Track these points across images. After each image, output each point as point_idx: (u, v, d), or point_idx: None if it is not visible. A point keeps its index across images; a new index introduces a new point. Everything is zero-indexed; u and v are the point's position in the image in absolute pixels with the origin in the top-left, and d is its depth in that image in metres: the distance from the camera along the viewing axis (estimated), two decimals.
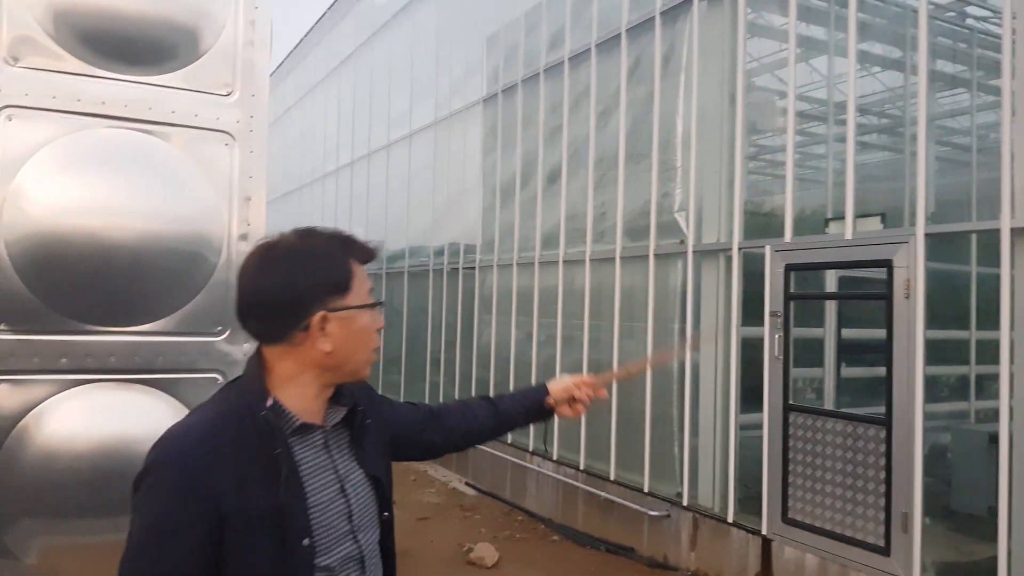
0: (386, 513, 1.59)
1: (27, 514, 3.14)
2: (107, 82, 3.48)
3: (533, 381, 7.95)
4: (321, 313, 1.42)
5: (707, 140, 6.21)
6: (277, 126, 18.38)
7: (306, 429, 1.45)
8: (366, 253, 1.53)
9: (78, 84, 3.44)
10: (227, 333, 3.64)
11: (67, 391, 3.38)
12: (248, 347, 3.75)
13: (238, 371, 3.67)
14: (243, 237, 3.75)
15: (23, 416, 3.26)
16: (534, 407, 1.98)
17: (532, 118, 8.35)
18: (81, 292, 3.42)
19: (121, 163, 3.56)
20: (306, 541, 1.37)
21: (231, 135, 3.71)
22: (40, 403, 3.33)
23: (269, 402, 1.41)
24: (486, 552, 6.14)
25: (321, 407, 1.50)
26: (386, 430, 1.69)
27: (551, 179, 8.00)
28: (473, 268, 9.39)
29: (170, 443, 1.36)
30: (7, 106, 3.31)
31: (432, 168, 10.59)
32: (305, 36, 17.00)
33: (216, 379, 3.58)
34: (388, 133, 12.06)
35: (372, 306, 1.50)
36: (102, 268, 3.44)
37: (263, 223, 3.86)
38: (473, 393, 9.11)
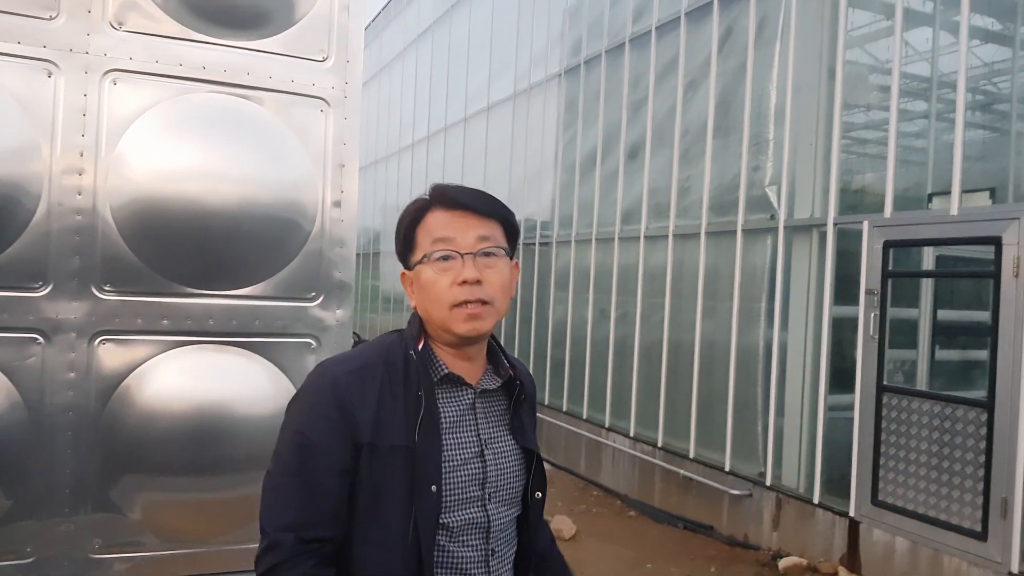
0: (539, 494, 1.54)
1: (130, 470, 3.22)
2: (207, 47, 3.52)
3: (610, 360, 7.88)
4: (402, 272, 1.49)
5: (802, 113, 5.98)
6: None
7: (453, 382, 1.46)
8: (444, 196, 1.47)
9: (180, 48, 3.48)
10: (320, 299, 3.68)
11: (168, 352, 3.45)
12: (341, 313, 3.78)
13: (331, 336, 3.71)
14: (336, 204, 3.77)
15: (127, 375, 3.34)
16: None
17: (615, 91, 8.19)
18: (181, 256, 3.48)
19: (220, 128, 3.60)
20: (434, 487, 1.38)
21: (326, 101, 3.72)
22: (142, 363, 3.40)
23: (420, 346, 1.45)
24: (564, 525, 6.13)
25: (471, 369, 1.49)
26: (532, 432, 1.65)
27: (633, 153, 7.85)
28: (549, 244, 9.33)
29: (325, 369, 1.45)
30: (112, 70, 3.38)
31: (509, 142, 10.53)
32: (383, 8, 17.09)
33: (310, 344, 3.62)
34: (465, 107, 12.04)
35: (427, 255, 1.44)
36: (201, 233, 3.49)
37: (356, 191, 3.87)
38: (548, 371, 9.08)
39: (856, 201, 6.24)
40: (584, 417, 8.28)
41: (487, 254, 1.44)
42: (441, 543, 1.41)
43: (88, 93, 3.36)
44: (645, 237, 7.50)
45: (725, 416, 6.36)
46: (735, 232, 6.38)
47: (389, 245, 15.61)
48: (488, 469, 1.46)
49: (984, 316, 5.45)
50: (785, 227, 5.98)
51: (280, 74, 3.65)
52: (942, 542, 4.87)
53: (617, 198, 7.98)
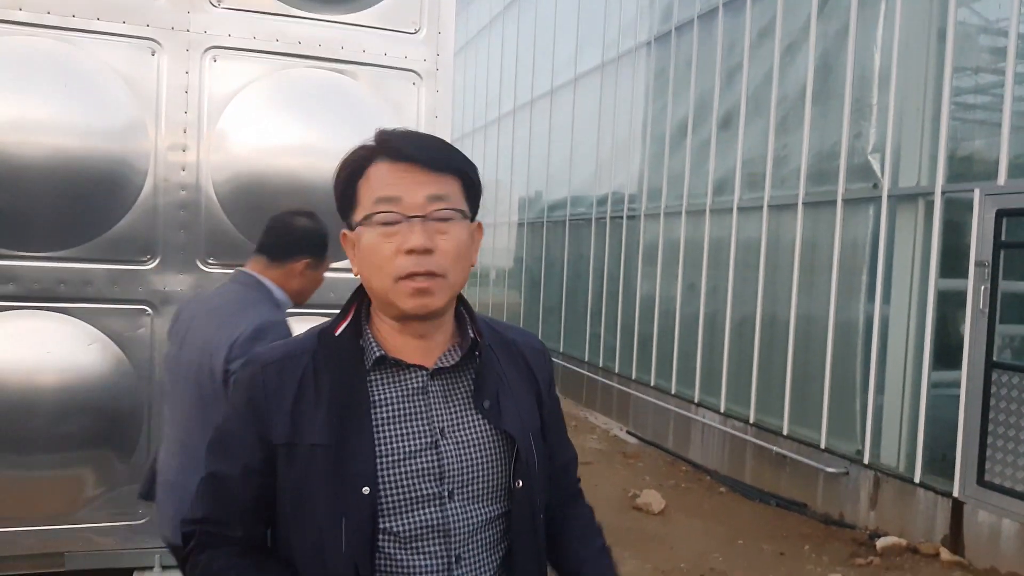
0: (519, 482, 1.28)
1: None
2: (303, 22, 3.57)
3: (699, 335, 7.74)
4: (343, 231, 1.27)
5: (908, 76, 5.67)
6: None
7: (392, 365, 1.24)
8: (388, 145, 1.21)
9: (276, 24, 3.55)
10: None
11: None
12: None
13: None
14: None
15: None
16: None
17: (708, 58, 7.96)
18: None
19: (316, 103, 3.66)
20: (366, 489, 1.18)
21: (418, 74, 3.73)
22: None
23: (340, 328, 1.26)
24: (653, 499, 6.09)
25: (425, 347, 1.26)
26: (544, 404, 1.40)
27: (726, 123, 7.62)
28: (637, 217, 9.19)
29: (249, 359, 1.31)
30: (212, 47, 3.47)
31: (597, 114, 10.39)
32: None
33: None
34: (552, 79, 11.93)
35: (368, 218, 1.20)
36: (304, 206, 3.50)
37: None
38: (635, 346, 8.99)
39: (965, 169, 5.88)
40: (673, 392, 8.17)
41: (440, 218, 1.20)
42: (387, 551, 1.20)
43: (190, 70, 3.46)
44: (739, 208, 7.29)
45: (821, 393, 6.16)
46: (835, 202, 6.13)
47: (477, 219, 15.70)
48: (445, 461, 1.23)
49: None
50: (889, 196, 5.70)
51: (373, 47, 3.68)
52: None
53: (709, 169, 7.78)
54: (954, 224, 5.39)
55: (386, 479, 1.20)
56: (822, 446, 6.12)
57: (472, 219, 1.29)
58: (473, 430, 1.27)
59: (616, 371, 9.43)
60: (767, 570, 5.00)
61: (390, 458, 1.21)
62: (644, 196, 9.10)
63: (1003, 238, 5.01)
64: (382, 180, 1.20)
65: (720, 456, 7.27)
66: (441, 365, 1.27)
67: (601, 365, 9.87)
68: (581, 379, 10.33)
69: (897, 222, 5.69)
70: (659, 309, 8.58)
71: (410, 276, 1.18)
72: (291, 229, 2.46)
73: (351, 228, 1.25)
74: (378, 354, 1.24)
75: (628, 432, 8.80)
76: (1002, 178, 5.00)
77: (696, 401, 7.76)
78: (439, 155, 1.23)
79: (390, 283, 1.19)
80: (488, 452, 1.27)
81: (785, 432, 6.52)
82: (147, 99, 3.42)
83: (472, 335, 1.30)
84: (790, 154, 6.69)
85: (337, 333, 1.27)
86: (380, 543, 1.20)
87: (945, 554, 5.06)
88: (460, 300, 1.34)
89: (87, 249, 3.36)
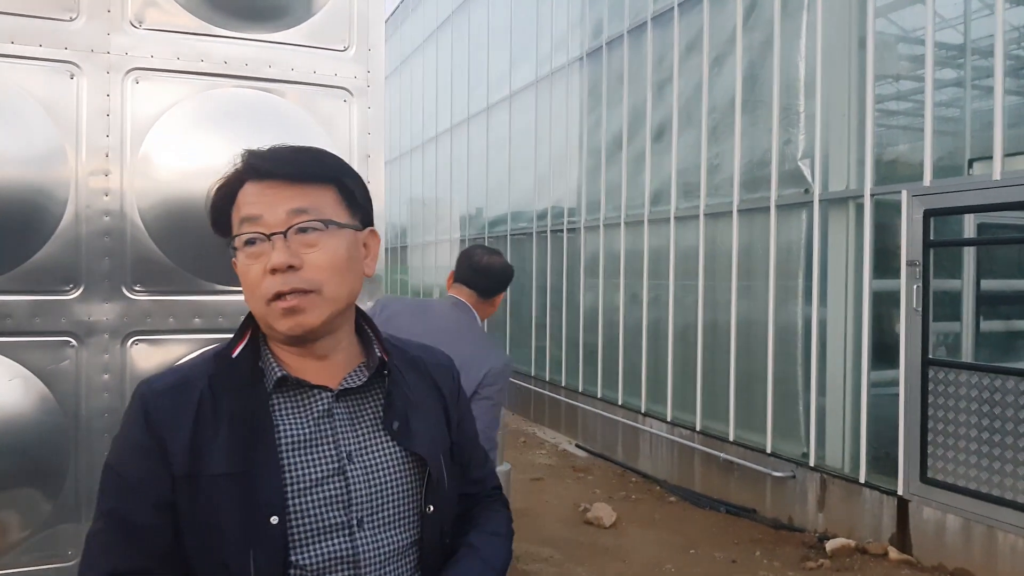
0: (430, 507, 1.23)
1: None
2: (228, 41, 3.48)
3: (644, 344, 7.78)
4: (232, 258, 1.21)
5: (833, 83, 5.83)
6: None
7: (294, 386, 1.19)
8: (250, 164, 1.16)
9: (201, 44, 3.45)
10: None
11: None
12: (371, 305, 3.74)
13: None
14: None
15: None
16: None
17: (639, 71, 8.07)
18: (212, 254, 3.44)
19: (245, 123, 3.57)
20: (275, 519, 1.11)
21: (349, 91, 3.67)
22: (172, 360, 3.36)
23: (238, 349, 1.20)
24: (603, 512, 6.06)
25: (326, 368, 1.21)
26: (452, 421, 1.35)
27: (659, 134, 7.73)
28: (577, 229, 9.24)
29: (140, 388, 1.20)
30: (134, 68, 3.36)
31: (533, 129, 10.44)
32: (402, 1, 17.05)
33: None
34: (488, 96, 11.96)
35: (232, 241, 1.17)
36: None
37: (383, 181, 3.82)
38: (580, 358, 9.01)
39: (892, 171, 6.07)
40: (620, 403, 8.20)
41: (303, 230, 1.14)
42: None
43: (111, 93, 3.34)
44: (675, 218, 7.38)
45: (765, 397, 6.24)
46: (768, 208, 6.25)
47: (416, 238, 15.61)
48: (353, 487, 1.17)
49: None
50: (820, 200, 5.83)
51: (302, 65, 3.60)
52: (997, 518, 4.74)
53: (645, 180, 7.87)
54: (884, 225, 5.54)
55: (295, 508, 1.14)
56: (768, 450, 6.20)
57: (362, 226, 1.23)
58: (382, 454, 1.22)
59: (563, 384, 9.42)
60: None
61: (297, 486, 1.14)
62: (583, 209, 9.16)
63: (931, 237, 5.16)
64: (247, 199, 1.16)
65: (669, 465, 7.30)
66: (347, 386, 1.21)
67: (548, 379, 9.86)
68: (528, 394, 10.29)
69: (830, 225, 5.82)
70: (603, 320, 8.62)
71: (278, 296, 1.14)
72: (500, 270, 2.95)
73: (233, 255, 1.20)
74: (279, 374, 1.18)
75: (577, 445, 8.79)
76: (927, 179, 5.16)
77: (643, 411, 7.79)
78: (303, 167, 1.18)
79: (263, 306, 1.15)
80: (398, 476, 1.22)
81: (731, 438, 6.58)
82: (67, 124, 3.28)
83: (379, 354, 1.25)
84: (723, 162, 6.81)
85: (234, 355, 1.20)
86: None
87: (893, 553, 5.15)
88: (362, 317, 1.29)
89: (5, 280, 3.19)
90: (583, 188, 9.23)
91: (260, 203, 1.14)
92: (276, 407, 1.17)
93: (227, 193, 1.18)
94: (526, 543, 5.47)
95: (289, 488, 1.13)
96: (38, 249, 3.26)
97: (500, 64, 11.55)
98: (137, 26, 3.37)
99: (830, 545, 5.32)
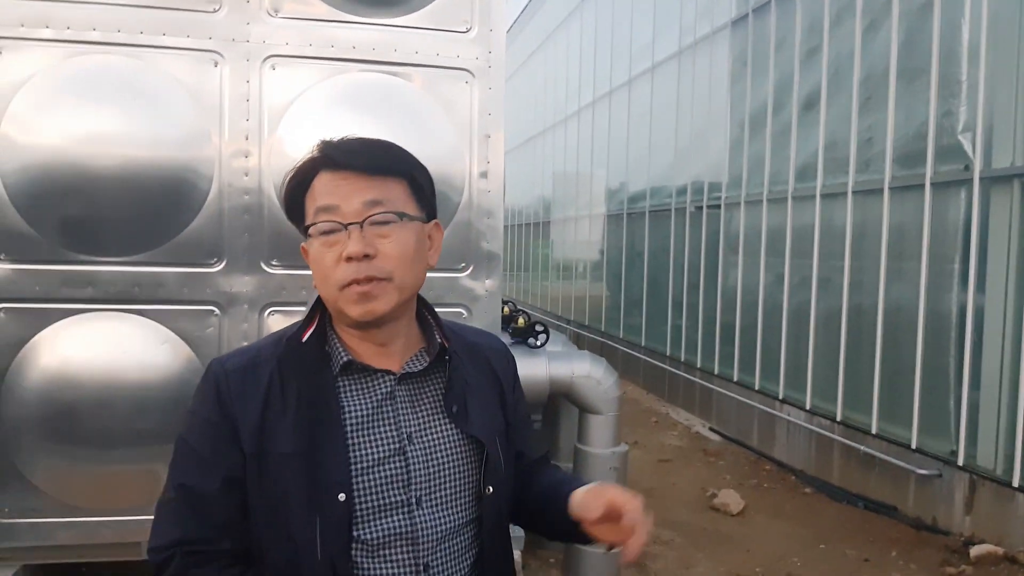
0: (489, 488, 1.28)
1: (34, 439, 3.29)
2: (356, 26, 3.62)
3: (784, 328, 7.47)
4: (302, 243, 1.27)
5: (1000, 50, 5.29)
6: (522, 72, 18.68)
7: (359, 370, 1.25)
8: (327, 155, 1.21)
9: (331, 31, 3.61)
10: (470, 269, 3.73)
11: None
12: (490, 283, 3.82)
13: (481, 306, 3.75)
14: (483, 175, 3.79)
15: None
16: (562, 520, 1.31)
17: (787, 39, 7.66)
18: None
19: (371, 106, 3.70)
20: (342, 496, 1.17)
21: (471, 72, 3.73)
22: None
23: (307, 333, 1.25)
24: (731, 499, 5.91)
25: (386, 353, 1.27)
26: (508, 405, 1.40)
27: (807, 105, 7.32)
28: (718, 206, 8.94)
29: (212, 366, 1.27)
30: (271, 56, 3.56)
31: (675, 102, 10.17)
32: None
33: (461, 313, 3.68)
34: (630, 68, 11.75)
35: (307, 229, 1.22)
36: None
37: (502, 161, 3.86)
38: (717, 339, 8.77)
39: None
40: (756, 388, 7.92)
41: (379, 222, 1.19)
42: (356, 559, 1.19)
43: (250, 79, 3.56)
44: (822, 195, 6.99)
45: (912, 389, 5.84)
46: (923, 186, 5.79)
47: (560, 212, 15.65)
48: (412, 467, 1.22)
49: None
50: (982, 178, 5.34)
51: (425, 48, 3.69)
52: None
53: (791, 155, 7.49)
54: None
55: (359, 486, 1.19)
56: (913, 446, 5.80)
57: (427, 219, 1.28)
58: (441, 436, 1.27)
59: (698, 365, 9.22)
60: None
61: (361, 465, 1.20)
62: (724, 184, 8.85)
63: None
64: (324, 189, 1.21)
65: (805, 455, 7.00)
66: (408, 370, 1.27)
67: (683, 359, 9.67)
68: (663, 374, 10.15)
69: (991, 205, 5.32)
70: (741, 301, 8.33)
71: (352, 283, 1.18)
72: None
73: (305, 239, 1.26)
74: (345, 359, 1.24)
75: (711, 429, 8.59)
76: None
77: (780, 397, 7.49)
78: (377, 160, 1.23)
79: (336, 292, 1.20)
80: (456, 458, 1.27)
81: (874, 431, 6.21)
82: (211, 108, 3.54)
83: (440, 340, 1.30)
84: (875, 136, 6.36)
85: (304, 339, 1.26)
86: (352, 552, 1.19)
87: None
88: (423, 304, 1.35)
89: (159, 253, 3.51)
90: (725, 163, 8.91)
91: (336, 193, 1.20)
92: (341, 390, 1.23)
93: (301, 182, 1.24)
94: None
95: (353, 467, 1.19)
96: (187, 225, 3.55)
97: (643, 35, 11.29)
98: (273, 15, 3.57)
99: (975, 551, 4.92)
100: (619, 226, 12.16)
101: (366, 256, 1.18)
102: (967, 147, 5.45)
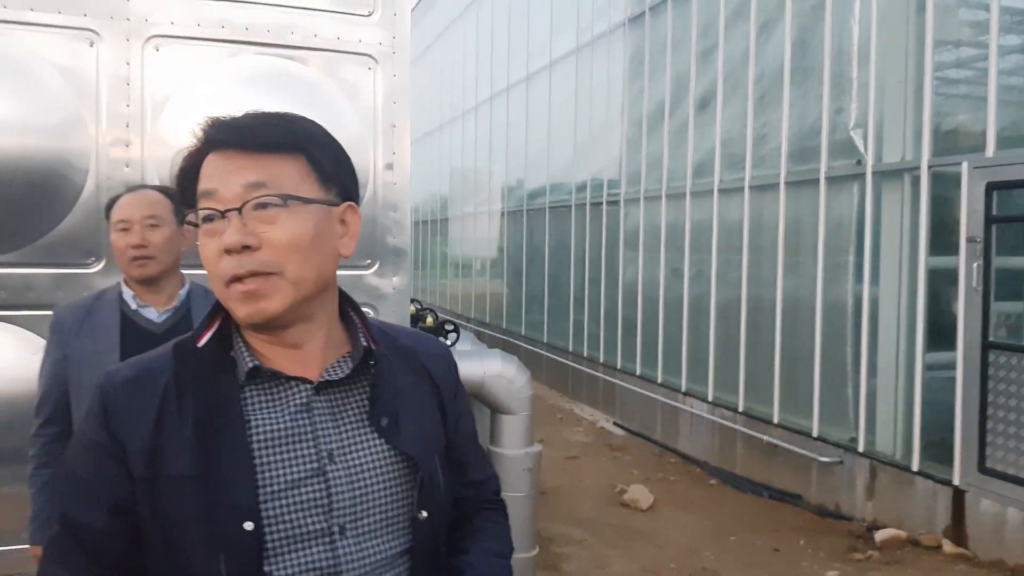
0: (423, 513, 1.10)
1: None
2: (250, 7, 3.35)
3: (684, 321, 7.57)
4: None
5: (889, 49, 5.49)
6: (418, 64, 18.40)
7: (268, 378, 1.06)
8: (212, 134, 1.05)
9: (222, 10, 3.32)
10: (376, 266, 3.52)
11: None
12: (398, 280, 3.61)
13: (389, 304, 3.55)
14: (388, 167, 3.59)
15: None
16: None
17: (683, 38, 7.76)
18: None
19: (266, 92, 3.44)
20: (248, 525, 0.99)
21: (374, 58, 3.52)
22: None
23: (205, 337, 1.08)
24: (640, 494, 5.91)
25: (302, 357, 1.09)
26: (448, 418, 1.22)
27: (703, 103, 7.43)
28: (617, 202, 9.00)
29: (102, 379, 1.09)
30: (154, 36, 3.24)
31: (574, 99, 10.18)
32: None
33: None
34: (527, 64, 11.71)
35: (185, 218, 1.10)
36: None
37: (408, 152, 3.68)
38: (619, 334, 8.82)
39: (951, 142, 5.72)
40: (659, 381, 8.01)
41: (260, 206, 1.02)
42: None
43: (131, 61, 3.23)
44: (719, 191, 7.11)
45: (812, 378, 6.00)
46: (818, 180, 5.95)
47: (457, 209, 15.49)
48: (334, 490, 1.04)
49: None
50: (873, 172, 5.53)
51: (325, 31, 3.46)
52: None
53: (688, 151, 7.59)
54: (942, 199, 5.23)
55: (269, 513, 1.01)
56: (814, 434, 5.96)
57: (338, 201, 1.09)
58: (368, 453, 1.09)
59: (601, 360, 9.26)
60: (762, 567, 4.83)
61: (271, 488, 1.02)
62: (624, 180, 8.91)
63: (994, 212, 4.85)
64: (207, 172, 1.05)
65: (709, 446, 7.11)
66: (328, 378, 1.08)
67: (586, 355, 9.70)
68: (566, 369, 10.15)
69: (883, 199, 5.52)
70: (643, 295, 8.41)
71: (234, 279, 1.02)
72: None
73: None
74: (251, 364, 1.05)
75: (615, 424, 8.64)
76: (990, 150, 4.84)
77: (683, 390, 7.59)
78: (264, 135, 1.04)
79: (222, 289, 1.04)
80: (386, 478, 1.09)
81: (776, 420, 6.36)
82: (86, 93, 3.20)
83: (365, 343, 1.12)
84: (770, 133, 6.52)
85: (200, 344, 1.08)
86: None
87: (948, 546, 4.89)
88: (347, 302, 1.15)
89: (27, 253, 3.15)
90: (624, 159, 8.97)
91: (216, 176, 1.03)
92: (248, 401, 1.05)
93: (191, 164, 1.07)
94: (558, 524, 5.35)
95: (262, 490, 1.01)
96: (60, 221, 3.20)
97: (540, 32, 11.27)
98: None
99: (880, 536, 5.09)
100: (519, 222, 12.11)
101: (246, 248, 1.01)
102: (859, 143, 5.63)
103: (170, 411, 1.04)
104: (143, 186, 2.46)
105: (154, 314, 2.24)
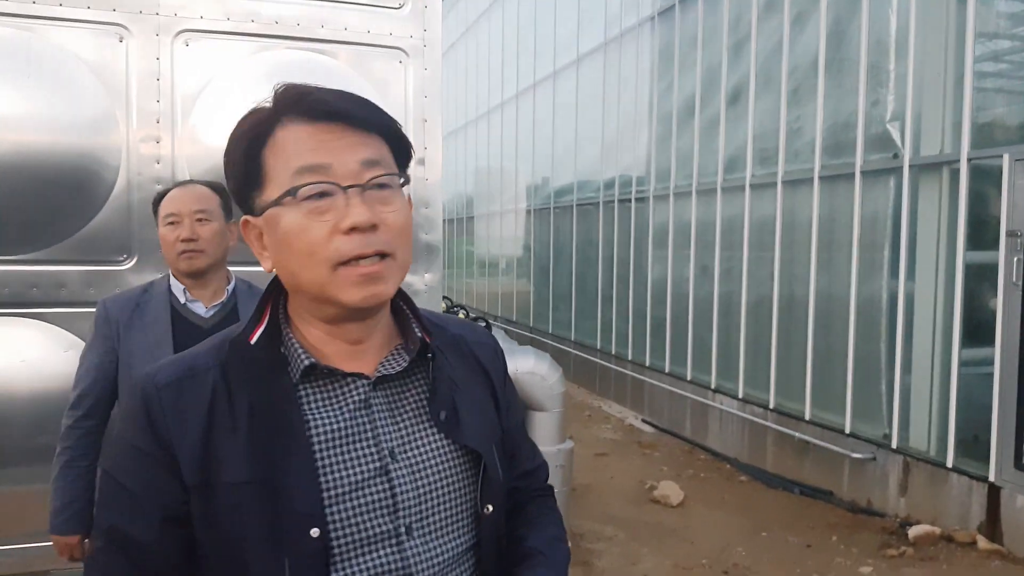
0: (488, 507, 1.07)
1: None
2: (279, 1, 3.35)
3: (715, 318, 7.49)
4: (243, 218, 1.02)
5: (927, 41, 5.37)
6: (443, 61, 18.39)
7: (324, 375, 1.01)
8: (302, 101, 0.97)
9: (251, 4, 3.32)
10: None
11: None
12: (430, 276, 3.60)
13: (419, 301, 3.54)
14: (420, 162, 3.57)
15: None
16: None
17: (714, 31, 7.66)
18: None
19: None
20: (315, 532, 0.94)
21: (404, 51, 3.50)
22: None
23: (256, 333, 1.01)
24: (671, 491, 5.85)
25: (362, 352, 1.04)
26: (501, 407, 1.19)
27: (735, 97, 7.34)
28: (646, 199, 8.92)
29: (140, 381, 1.02)
30: (184, 31, 3.25)
31: (601, 95, 10.11)
32: None
33: None
34: (554, 60, 11.65)
35: (290, 193, 0.95)
36: None
37: (440, 147, 3.66)
38: (647, 331, 8.75)
39: (990, 135, 5.59)
40: (688, 378, 7.93)
41: (380, 186, 0.97)
42: None
43: (161, 56, 3.25)
44: (751, 186, 7.02)
45: (844, 375, 5.90)
46: (853, 175, 5.84)
47: (483, 208, 15.48)
48: (399, 490, 1.00)
49: None
50: (910, 166, 5.41)
51: (355, 25, 3.45)
52: None
53: (719, 146, 7.50)
54: (981, 193, 5.11)
55: (335, 517, 0.97)
56: (847, 431, 5.86)
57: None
58: (429, 448, 1.04)
59: (630, 358, 9.19)
60: (794, 564, 4.76)
61: (336, 491, 0.97)
62: (652, 177, 8.83)
63: None
64: (302, 143, 0.95)
65: (740, 443, 7.02)
66: (385, 372, 1.03)
67: (614, 352, 9.63)
68: (594, 367, 10.09)
69: (920, 193, 5.40)
70: (672, 293, 8.33)
71: (353, 261, 0.94)
72: None
73: (255, 212, 1.00)
74: (307, 362, 0.99)
75: (644, 421, 8.57)
76: None
77: (713, 387, 7.51)
78: (366, 108, 0.98)
79: (326, 273, 0.95)
80: (449, 474, 1.05)
81: (807, 417, 6.26)
82: (116, 89, 3.22)
83: (419, 335, 1.07)
84: (804, 126, 6.41)
85: (252, 340, 1.01)
86: None
87: (982, 542, 4.80)
88: (399, 293, 1.09)
89: (59, 250, 3.18)
90: (652, 156, 8.89)
91: (324, 149, 0.95)
92: (304, 400, 1.00)
93: (260, 134, 0.98)
94: (589, 521, 5.31)
95: (326, 494, 0.97)
96: (91, 218, 3.22)
97: (567, 27, 11.21)
98: None
99: (913, 532, 4.99)
100: (545, 221, 12.06)
101: (372, 227, 0.95)
102: (895, 136, 5.52)
103: (221, 413, 0.98)
104: (192, 181, 2.47)
105: (202, 309, 2.25)
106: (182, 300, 2.24)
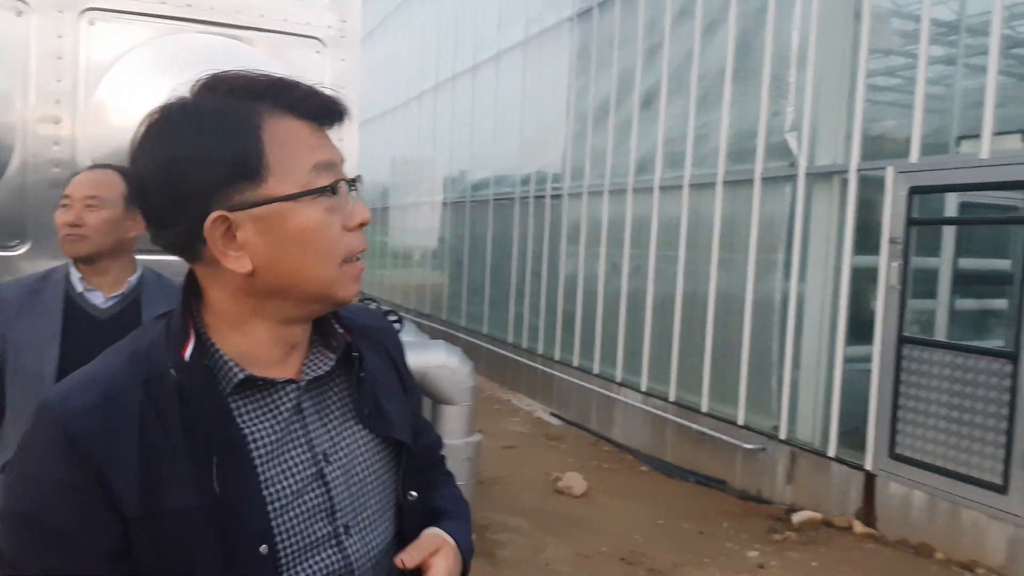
0: (412, 493, 1.09)
1: None
2: None
3: (622, 314, 7.71)
4: (217, 214, 0.90)
5: (826, 55, 5.69)
6: (361, 48, 18.16)
7: (259, 386, 0.96)
8: (304, 98, 0.94)
9: None
10: None
11: None
12: None
13: None
14: None
15: None
16: None
17: (629, 35, 7.88)
18: None
19: (209, 70, 3.40)
20: (264, 549, 0.92)
21: (322, 41, 3.50)
22: None
23: (188, 350, 0.94)
24: (575, 481, 6.03)
25: (290, 355, 1.01)
26: (408, 390, 1.20)
27: (648, 101, 7.57)
28: (560, 196, 9.10)
29: (49, 408, 0.91)
30: (89, 8, 3.17)
31: (520, 91, 10.23)
32: None
33: None
34: (474, 55, 11.70)
35: (317, 192, 0.92)
36: None
37: (356, 139, 3.67)
38: (558, 326, 8.93)
39: (879, 147, 5.97)
40: (595, 372, 8.15)
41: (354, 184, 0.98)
42: None
43: (63, 34, 3.16)
44: (660, 188, 7.26)
45: (739, 370, 6.20)
46: (753, 181, 6.14)
47: (399, 199, 15.40)
48: (334, 491, 1.00)
49: (1006, 265, 5.27)
50: (806, 174, 5.73)
51: (272, 12, 3.43)
52: (961, 495, 4.77)
53: (631, 148, 7.73)
54: (868, 202, 5.46)
55: (280, 529, 0.95)
56: (740, 422, 6.17)
57: None
58: (357, 445, 1.05)
59: (540, 352, 9.36)
60: (687, 549, 5.00)
61: (279, 503, 0.95)
62: (568, 175, 9.01)
63: (914, 215, 5.09)
64: (309, 140, 0.94)
65: (642, 435, 7.28)
66: (314, 374, 1.02)
67: (525, 346, 9.79)
68: (505, 361, 10.23)
69: (813, 200, 5.73)
70: (583, 289, 8.53)
71: (355, 258, 0.97)
72: None
73: (231, 207, 0.90)
74: (241, 375, 0.95)
75: (552, 414, 8.75)
76: (914, 156, 5.06)
77: (619, 381, 7.74)
78: (337, 108, 0.97)
79: (335, 270, 0.95)
80: (377, 468, 1.07)
81: (704, 409, 6.55)
82: (13, 66, 3.10)
83: (340, 331, 1.06)
84: (710, 133, 6.68)
85: (186, 356, 0.94)
86: None
87: (858, 527, 5.17)
88: None
89: None
90: (568, 154, 9.06)
91: (327, 145, 0.95)
92: (238, 413, 0.96)
93: (254, 122, 0.91)
94: (495, 512, 5.43)
95: (271, 507, 0.94)
96: None
97: (489, 21, 11.28)
98: None
99: (797, 518, 5.34)
100: (462, 214, 12.12)
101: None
102: (793, 145, 5.83)
103: (154, 434, 0.90)
104: (107, 165, 2.36)
105: (100, 299, 2.15)
106: (79, 288, 2.14)
